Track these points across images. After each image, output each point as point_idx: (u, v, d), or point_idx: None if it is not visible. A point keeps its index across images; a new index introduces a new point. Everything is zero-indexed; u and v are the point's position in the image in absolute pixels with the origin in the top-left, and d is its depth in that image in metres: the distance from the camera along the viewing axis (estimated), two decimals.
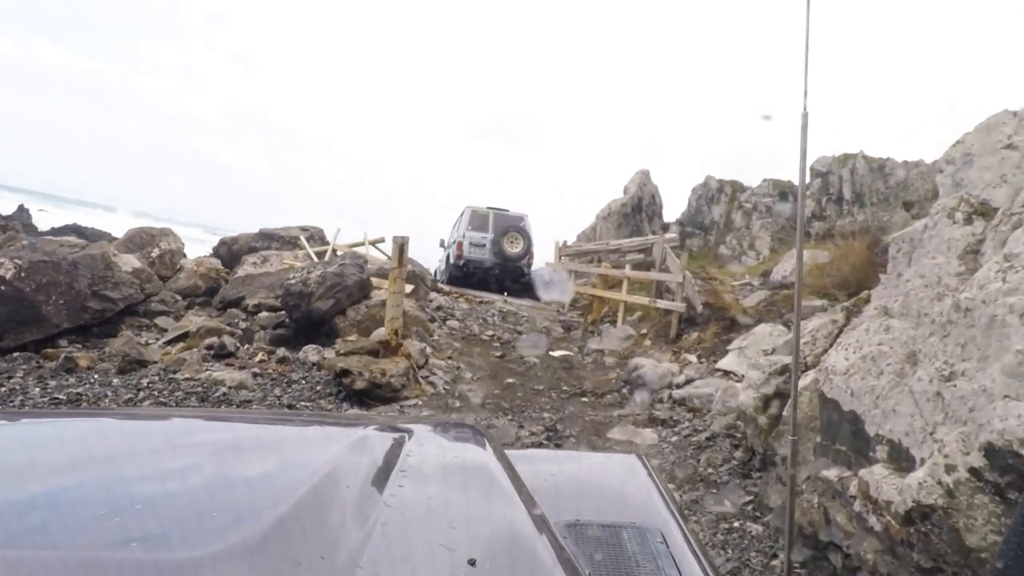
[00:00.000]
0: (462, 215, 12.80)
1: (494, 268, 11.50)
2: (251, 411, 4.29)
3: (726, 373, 7.52)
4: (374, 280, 9.64)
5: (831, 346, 4.43)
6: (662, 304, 9.61)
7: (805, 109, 2.22)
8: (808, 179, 17.41)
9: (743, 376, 7.52)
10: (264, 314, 9.60)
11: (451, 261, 12.74)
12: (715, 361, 8.05)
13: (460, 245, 12.11)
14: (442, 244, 14.40)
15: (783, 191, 17.35)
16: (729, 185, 18.41)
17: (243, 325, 9.22)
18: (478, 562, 0.72)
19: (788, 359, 4.53)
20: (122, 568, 0.63)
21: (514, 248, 11.41)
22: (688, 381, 7.39)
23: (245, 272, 10.79)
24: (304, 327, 8.78)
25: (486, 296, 12.86)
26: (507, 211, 12.54)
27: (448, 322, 10.21)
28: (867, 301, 4.95)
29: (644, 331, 9.98)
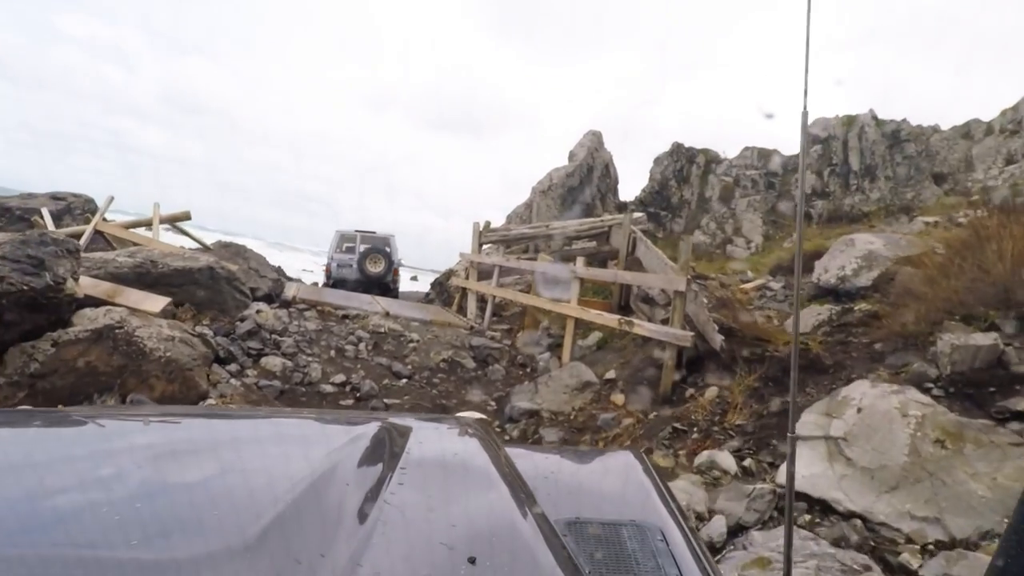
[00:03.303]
0: (334, 237, 14.17)
1: (359, 286, 12.39)
2: (250, 409, 3.42)
3: (813, 503, 3.39)
4: (101, 289, 5.01)
5: None
6: (646, 330, 5.40)
7: (805, 108, 1.80)
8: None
9: (854, 514, 3.44)
10: None
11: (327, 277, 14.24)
12: (768, 463, 3.94)
13: (329, 267, 13.54)
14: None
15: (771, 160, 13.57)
16: (701, 154, 14.49)
17: None
18: (478, 560, 0.72)
19: None
20: (121, 567, 0.63)
21: (375, 268, 12.81)
22: (734, 532, 3.22)
23: None
24: None
25: (355, 305, 8.35)
26: (373, 233, 14.07)
27: (263, 359, 5.70)
28: None
29: (611, 373, 5.78)
